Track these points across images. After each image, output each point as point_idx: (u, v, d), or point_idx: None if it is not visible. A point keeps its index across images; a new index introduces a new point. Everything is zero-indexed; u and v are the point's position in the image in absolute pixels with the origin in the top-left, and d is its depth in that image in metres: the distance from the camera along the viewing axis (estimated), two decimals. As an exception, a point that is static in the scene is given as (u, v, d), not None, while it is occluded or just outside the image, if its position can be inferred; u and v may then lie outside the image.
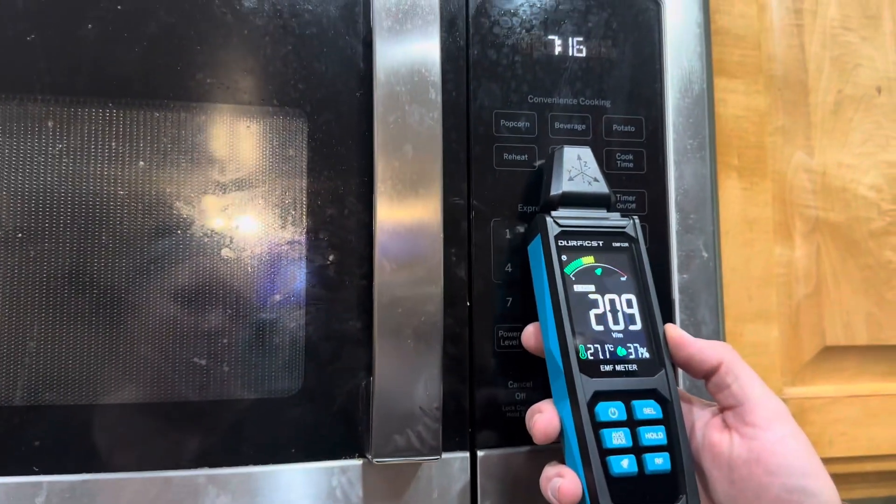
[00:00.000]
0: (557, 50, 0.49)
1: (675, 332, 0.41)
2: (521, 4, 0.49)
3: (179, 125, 0.43)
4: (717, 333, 0.50)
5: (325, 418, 0.44)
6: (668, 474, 0.39)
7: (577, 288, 0.42)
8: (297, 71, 0.45)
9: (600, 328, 0.41)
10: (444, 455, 0.44)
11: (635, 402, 0.39)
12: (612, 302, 0.42)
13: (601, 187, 0.45)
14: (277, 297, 0.44)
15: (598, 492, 0.37)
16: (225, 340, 0.43)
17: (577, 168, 0.45)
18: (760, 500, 0.37)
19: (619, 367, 0.40)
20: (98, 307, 0.41)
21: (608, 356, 0.40)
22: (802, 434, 0.38)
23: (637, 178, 0.49)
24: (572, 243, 0.43)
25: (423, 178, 0.43)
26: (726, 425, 0.40)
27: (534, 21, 0.49)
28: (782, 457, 0.37)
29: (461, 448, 0.45)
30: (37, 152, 0.42)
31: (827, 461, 0.38)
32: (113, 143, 0.42)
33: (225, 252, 0.43)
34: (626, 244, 0.43)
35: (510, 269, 0.47)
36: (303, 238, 0.44)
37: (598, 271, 0.42)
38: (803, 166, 0.61)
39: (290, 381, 0.43)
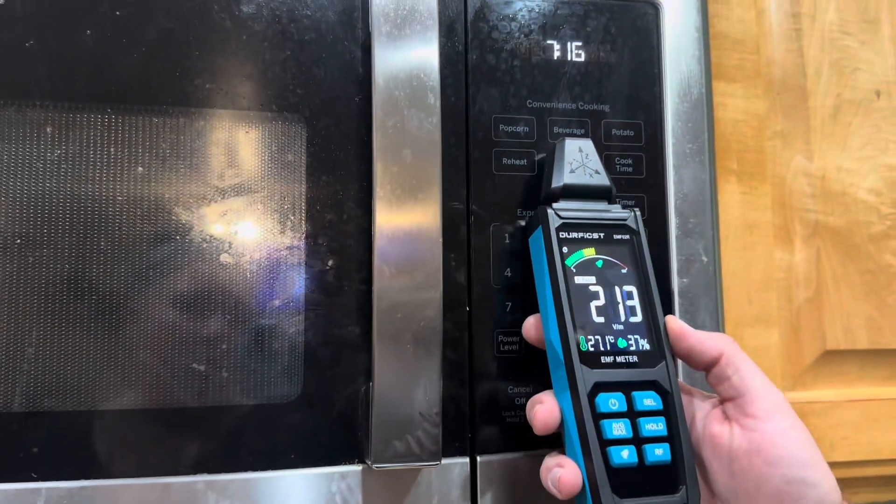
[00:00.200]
0: (556, 54, 0.49)
1: (675, 323, 0.42)
2: (520, 9, 0.49)
3: (178, 131, 0.43)
4: (718, 338, 0.50)
5: (324, 424, 0.43)
6: (669, 465, 0.39)
7: (578, 280, 0.42)
8: (295, 76, 0.45)
9: (601, 320, 0.41)
10: (444, 460, 0.44)
11: (636, 394, 0.39)
12: (612, 294, 0.42)
13: (602, 179, 0.45)
14: (276, 303, 0.44)
15: (599, 482, 0.37)
16: (224, 346, 0.42)
17: (579, 160, 0.45)
18: (760, 491, 0.37)
19: (619, 359, 0.40)
20: (97, 313, 0.41)
21: (609, 347, 0.40)
22: (803, 426, 0.38)
23: (636, 182, 0.49)
24: (573, 235, 0.43)
25: (422, 182, 0.43)
26: (727, 417, 0.40)
27: (532, 26, 0.49)
28: (783, 448, 0.37)
29: (461, 453, 0.45)
30: (35, 158, 0.41)
31: (829, 465, 0.38)
32: (112, 149, 0.42)
33: (224, 257, 0.43)
34: (627, 236, 0.44)
35: (509, 274, 0.47)
36: (302, 243, 0.44)
37: (599, 263, 0.43)
38: (803, 170, 0.61)
39: (289, 386, 0.43)
